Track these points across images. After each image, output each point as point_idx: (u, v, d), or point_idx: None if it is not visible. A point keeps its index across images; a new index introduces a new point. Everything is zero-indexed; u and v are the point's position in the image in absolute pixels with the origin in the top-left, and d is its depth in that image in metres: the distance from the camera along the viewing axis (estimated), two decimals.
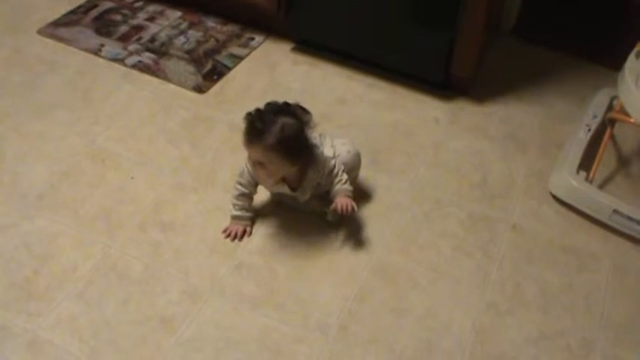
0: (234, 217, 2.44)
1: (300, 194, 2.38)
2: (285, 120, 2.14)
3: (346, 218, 2.45)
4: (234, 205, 2.41)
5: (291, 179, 2.32)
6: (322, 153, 2.34)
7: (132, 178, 2.62)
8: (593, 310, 2.29)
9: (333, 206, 2.35)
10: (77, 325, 2.13)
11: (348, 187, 2.37)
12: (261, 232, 2.45)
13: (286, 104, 2.21)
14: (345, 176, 2.37)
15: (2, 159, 2.66)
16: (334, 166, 2.35)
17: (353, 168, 2.49)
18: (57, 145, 2.73)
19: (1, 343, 2.08)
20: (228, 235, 2.42)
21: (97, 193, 2.55)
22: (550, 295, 2.32)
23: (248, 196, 2.42)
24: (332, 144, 2.42)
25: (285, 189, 2.36)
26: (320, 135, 2.43)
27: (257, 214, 2.49)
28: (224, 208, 2.47)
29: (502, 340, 2.18)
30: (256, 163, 2.22)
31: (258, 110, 2.17)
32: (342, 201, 2.33)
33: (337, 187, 2.36)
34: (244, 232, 2.44)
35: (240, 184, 2.38)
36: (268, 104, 2.20)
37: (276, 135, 2.11)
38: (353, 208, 2.32)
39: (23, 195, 2.53)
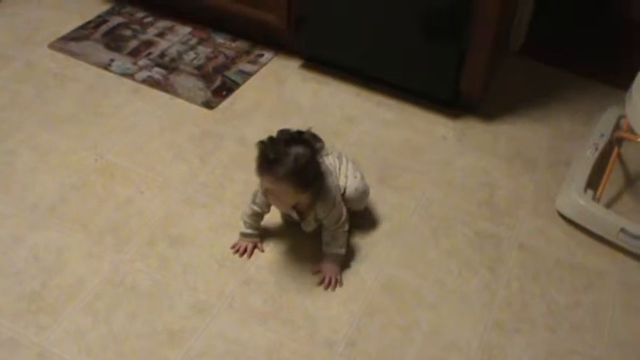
0: (244, 235, 2.44)
1: (305, 225, 2.38)
2: (297, 150, 2.10)
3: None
4: (244, 222, 2.42)
5: (301, 206, 2.31)
6: (333, 187, 2.32)
7: (141, 192, 2.63)
8: (600, 329, 2.29)
9: (317, 269, 2.37)
10: (85, 339, 2.14)
11: (341, 251, 2.37)
12: (270, 247, 2.46)
13: (299, 132, 2.18)
14: (345, 228, 2.36)
15: (12, 171, 2.67)
16: (341, 215, 2.33)
17: (355, 203, 2.48)
18: (67, 159, 2.75)
19: (10, 355, 2.08)
20: (237, 251, 2.43)
21: (106, 207, 2.56)
22: (557, 314, 2.32)
23: (260, 216, 2.42)
24: (347, 173, 2.43)
25: (294, 214, 2.36)
26: (338, 157, 2.46)
27: (266, 230, 2.50)
28: (233, 223, 2.47)
29: (509, 359, 2.18)
30: (268, 191, 2.20)
31: (270, 139, 2.15)
32: (329, 272, 2.35)
33: (331, 248, 2.36)
34: (254, 248, 2.45)
35: (255, 203, 2.37)
36: (281, 132, 2.17)
37: (289, 166, 2.08)
38: (337, 283, 2.34)
39: (33, 207, 2.54)
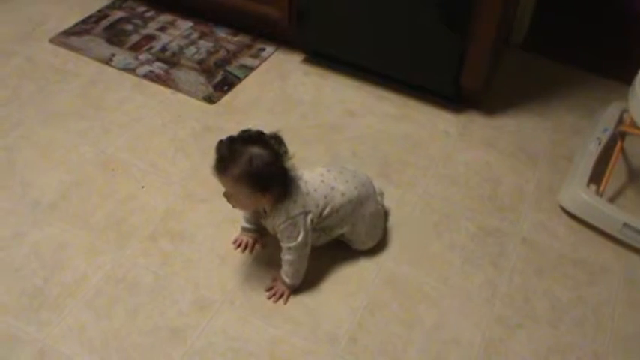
0: (244, 229, 2.44)
1: (265, 224, 2.28)
2: (254, 151, 2.01)
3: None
4: (243, 216, 2.41)
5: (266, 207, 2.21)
6: (298, 201, 2.15)
7: (142, 187, 2.62)
8: (603, 324, 2.29)
9: (274, 277, 2.32)
10: (87, 335, 2.14)
11: (285, 279, 2.27)
12: (271, 242, 2.45)
13: (260, 133, 2.08)
14: (290, 257, 2.21)
15: (13, 167, 2.67)
16: (294, 237, 2.18)
17: (342, 214, 2.28)
18: (68, 154, 2.74)
19: (12, 351, 2.09)
20: (239, 246, 2.43)
21: (108, 202, 2.56)
22: (560, 309, 2.32)
23: (258, 212, 2.40)
24: (333, 185, 2.25)
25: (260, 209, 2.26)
26: (327, 171, 2.30)
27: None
28: (234, 219, 2.47)
29: (511, 354, 2.18)
30: (227, 194, 2.11)
31: (229, 138, 2.07)
32: (279, 288, 2.29)
33: (281, 269, 2.27)
34: (255, 243, 2.44)
35: None
36: (242, 132, 2.09)
37: (243, 166, 2.00)
38: (280, 299, 2.29)
39: (34, 203, 2.54)
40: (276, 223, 2.17)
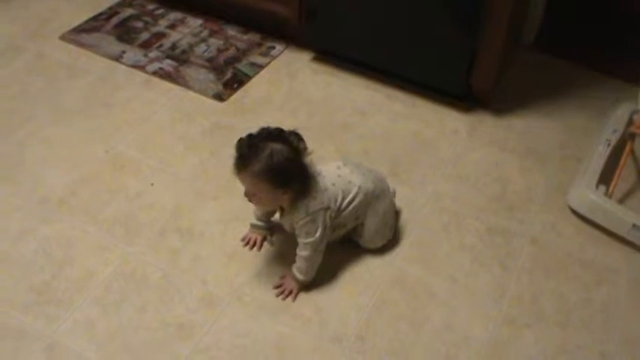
0: (253, 226, 2.44)
1: (283, 222, 2.30)
2: (274, 146, 2.03)
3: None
4: (254, 213, 2.41)
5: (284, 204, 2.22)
6: (318, 197, 2.17)
7: (151, 184, 2.63)
8: (611, 325, 2.28)
9: (283, 275, 2.33)
10: (94, 331, 2.14)
11: (298, 275, 2.27)
12: (280, 240, 2.45)
13: (279, 130, 2.10)
14: (307, 253, 2.22)
15: (23, 163, 2.68)
16: (312, 233, 2.19)
17: (357, 207, 2.30)
18: (77, 151, 2.75)
19: (20, 346, 2.09)
20: (247, 243, 2.43)
21: (117, 199, 2.57)
22: (568, 310, 2.31)
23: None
24: (350, 179, 2.28)
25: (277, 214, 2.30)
26: (343, 165, 2.33)
27: (276, 223, 2.48)
28: (242, 216, 2.47)
29: (519, 355, 2.17)
30: (248, 193, 2.12)
31: (248, 135, 2.09)
32: (288, 285, 2.29)
33: (294, 266, 2.27)
34: (263, 241, 2.44)
35: None
36: (261, 129, 2.11)
37: (264, 162, 2.01)
38: (289, 297, 2.28)
39: (43, 199, 2.54)
40: (295, 220, 2.18)
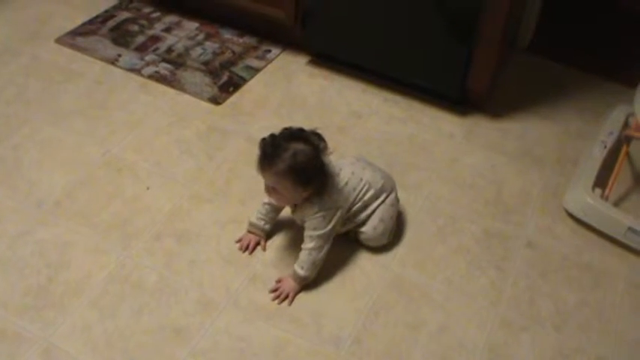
0: (251, 225, 2.44)
1: (295, 216, 2.35)
2: (297, 146, 2.11)
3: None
4: (258, 211, 2.42)
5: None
6: (333, 195, 2.25)
7: (147, 188, 2.62)
8: (607, 328, 2.28)
9: (280, 278, 2.32)
10: (91, 334, 2.14)
11: (300, 271, 2.27)
12: (277, 244, 2.45)
13: (301, 130, 2.19)
14: (311, 245, 2.25)
15: (19, 166, 2.67)
16: (321, 227, 2.24)
17: (367, 201, 2.39)
18: (73, 154, 2.74)
19: (15, 350, 2.08)
20: (241, 247, 2.43)
21: (113, 202, 2.56)
22: (564, 313, 2.31)
23: (276, 208, 2.42)
24: (361, 176, 2.37)
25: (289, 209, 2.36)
26: (357, 161, 2.43)
27: (273, 227, 2.49)
28: (239, 219, 2.47)
29: (516, 358, 2.17)
30: (269, 188, 2.20)
31: (271, 136, 2.16)
32: (286, 287, 2.29)
33: (297, 262, 2.28)
34: (257, 244, 2.44)
35: None
36: (284, 130, 2.19)
37: (288, 161, 2.09)
38: (286, 300, 2.28)
39: (39, 202, 2.54)
40: (307, 214, 2.24)
